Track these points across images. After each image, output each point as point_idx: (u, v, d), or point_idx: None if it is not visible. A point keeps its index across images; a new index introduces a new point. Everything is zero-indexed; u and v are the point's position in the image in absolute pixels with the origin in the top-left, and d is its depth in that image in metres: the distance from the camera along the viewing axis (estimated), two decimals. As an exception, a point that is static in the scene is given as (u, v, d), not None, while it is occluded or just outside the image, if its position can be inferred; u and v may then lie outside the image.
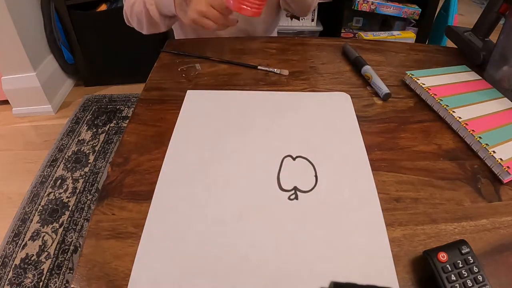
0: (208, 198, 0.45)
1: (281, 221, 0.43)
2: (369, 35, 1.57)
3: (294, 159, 0.50)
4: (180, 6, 0.63)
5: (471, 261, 0.37)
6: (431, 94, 0.61)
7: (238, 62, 0.69)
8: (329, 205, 0.45)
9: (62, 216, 1.30)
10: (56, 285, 1.10)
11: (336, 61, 0.73)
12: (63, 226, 1.26)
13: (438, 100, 0.59)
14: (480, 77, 0.67)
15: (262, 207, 0.44)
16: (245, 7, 0.50)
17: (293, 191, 0.46)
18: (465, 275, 0.36)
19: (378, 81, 0.64)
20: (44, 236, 1.24)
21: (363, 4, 1.57)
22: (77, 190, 1.39)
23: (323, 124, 0.57)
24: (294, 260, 0.39)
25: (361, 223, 0.43)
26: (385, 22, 1.78)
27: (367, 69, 0.66)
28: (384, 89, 0.62)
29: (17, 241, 1.22)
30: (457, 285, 0.35)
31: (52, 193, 1.38)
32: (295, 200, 0.45)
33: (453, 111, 0.57)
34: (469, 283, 0.35)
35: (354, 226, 0.43)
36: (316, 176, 0.48)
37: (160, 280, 0.37)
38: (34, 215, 1.30)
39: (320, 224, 0.43)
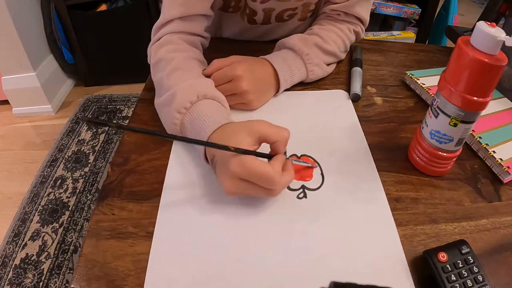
0: (216, 200, 0.44)
1: (292, 220, 0.43)
2: (369, 35, 1.58)
3: (299, 157, 0.50)
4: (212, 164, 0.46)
5: (471, 261, 0.37)
6: (431, 94, 0.61)
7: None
8: (337, 202, 0.45)
9: (62, 216, 1.30)
10: (56, 285, 1.10)
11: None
12: (63, 226, 1.26)
13: (438, 100, 0.59)
14: (480, 77, 0.67)
15: (271, 207, 0.44)
16: (433, 168, 0.49)
17: (301, 190, 0.46)
18: (465, 275, 0.36)
19: (355, 82, 0.63)
20: (44, 236, 1.24)
21: (363, 4, 1.57)
22: (77, 190, 1.39)
23: (324, 121, 0.57)
24: (308, 258, 0.39)
25: (370, 219, 0.43)
26: (385, 22, 1.78)
27: (354, 70, 0.66)
28: (354, 89, 0.61)
29: (17, 241, 1.22)
30: (457, 285, 0.35)
31: (52, 193, 1.38)
32: (304, 199, 0.45)
33: (453, 111, 0.57)
34: (469, 283, 0.35)
35: (363, 222, 0.43)
36: (322, 174, 0.48)
37: (174, 285, 0.37)
38: (34, 215, 1.30)
39: (331, 221, 0.43)
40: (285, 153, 0.45)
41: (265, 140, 0.43)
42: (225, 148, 0.40)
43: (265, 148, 0.44)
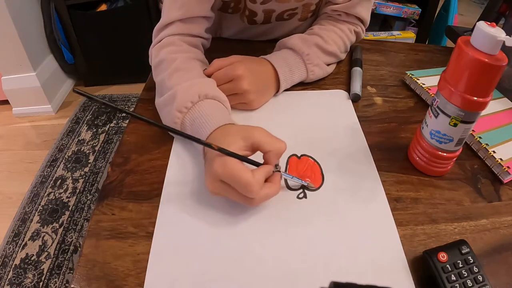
0: (216, 200, 0.44)
1: (292, 221, 0.43)
2: (369, 35, 1.58)
3: (299, 157, 0.50)
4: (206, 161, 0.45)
5: (471, 261, 0.37)
6: (431, 94, 0.61)
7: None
8: (337, 202, 0.45)
9: (62, 216, 1.30)
10: (56, 285, 1.10)
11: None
12: (63, 226, 1.26)
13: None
14: (480, 77, 0.67)
15: (272, 207, 0.44)
16: (433, 168, 0.49)
17: (301, 190, 0.46)
18: (465, 275, 0.36)
19: (355, 82, 0.63)
20: (44, 236, 1.24)
21: (363, 4, 1.57)
22: (77, 190, 1.39)
23: (323, 121, 0.57)
24: (308, 258, 0.39)
25: (370, 219, 0.43)
26: (385, 22, 1.78)
27: (354, 70, 0.66)
28: (354, 89, 0.61)
29: (17, 241, 1.22)
30: (457, 285, 0.35)
31: (52, 193, 1.38)
32: (304, 199, 0.45)
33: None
34: (469, 283, 0.35)
35: (363, 222, 0.43)
36: (322, 174, 0.48)
37: (174, 285, 0.37)
38: (34, 215, 1.30)
39: (331, 221, 0.43)
40: (277, 166, 0.43)
41: (258, 148, 0.42)
42: (209, 145, 0.39)
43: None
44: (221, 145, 0.40)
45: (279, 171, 0.43)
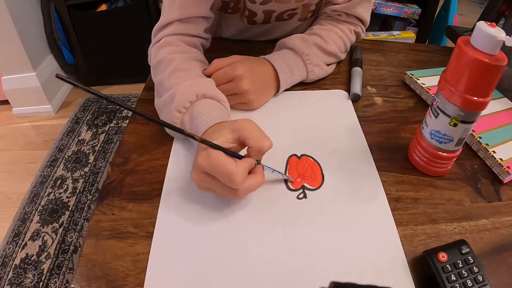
0: (216, 201, 0.44)
1: (292, 221, 0.43)
2: (369, 35, 1.57)
3: (299, 157, 0.50)
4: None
5: (471, 261, 0.37)
6: (431, 94, 0.61)
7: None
8: (337, 202, 0.45)
9: (62, 216, 1.30)
10: (56, 285, 1.10)
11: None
12: (63, 226, 1.26)
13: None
14: (480, 77, 0.67)
15: (272, 207, 0.44)
16: (433, 168, 0.48)
17: (301, 190, 0.46)
18: (465, 275, 0.36)
19: (355, 82, 0.63)
20: (44, 236, 1.24)
21: (363, 4, 1.57)
22: (77, 190, 1.39)
23: (323, 121, 0.57)
24: (308, 258, 0.39)
25: (370, 219, 0.43)
26: (385, 22, 1.78)
27: (354, 70, 0.66)
28: (354, 90, 0.61)
29: (17, 241, 1.22)
30: (457, 285, 0.35)
31: (52, 193, 1.38)
32: (304, 199, 0.45)
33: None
34: (469, 283, 0.35)
35: (363, 222, 0.43)
36: (322, 174, 0.48)
37: (174, 285, 0.37)
38: (34, 215, 1.30)
39: (331, 221, 0.43)
40: (258, 161, 0.43)
41: (244, 142, 0.42)
42: (192, 137, 0.40)
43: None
44: (210, 139, 0.40)
45: (260, 163, 0.43)
